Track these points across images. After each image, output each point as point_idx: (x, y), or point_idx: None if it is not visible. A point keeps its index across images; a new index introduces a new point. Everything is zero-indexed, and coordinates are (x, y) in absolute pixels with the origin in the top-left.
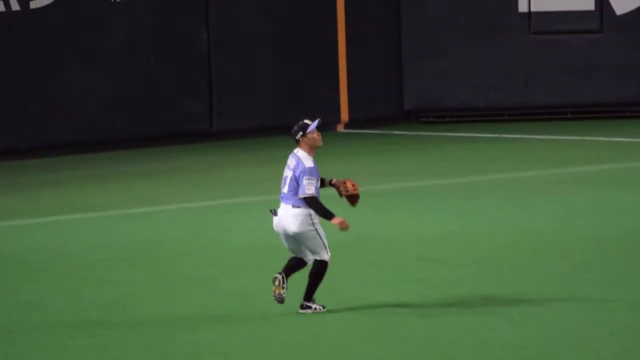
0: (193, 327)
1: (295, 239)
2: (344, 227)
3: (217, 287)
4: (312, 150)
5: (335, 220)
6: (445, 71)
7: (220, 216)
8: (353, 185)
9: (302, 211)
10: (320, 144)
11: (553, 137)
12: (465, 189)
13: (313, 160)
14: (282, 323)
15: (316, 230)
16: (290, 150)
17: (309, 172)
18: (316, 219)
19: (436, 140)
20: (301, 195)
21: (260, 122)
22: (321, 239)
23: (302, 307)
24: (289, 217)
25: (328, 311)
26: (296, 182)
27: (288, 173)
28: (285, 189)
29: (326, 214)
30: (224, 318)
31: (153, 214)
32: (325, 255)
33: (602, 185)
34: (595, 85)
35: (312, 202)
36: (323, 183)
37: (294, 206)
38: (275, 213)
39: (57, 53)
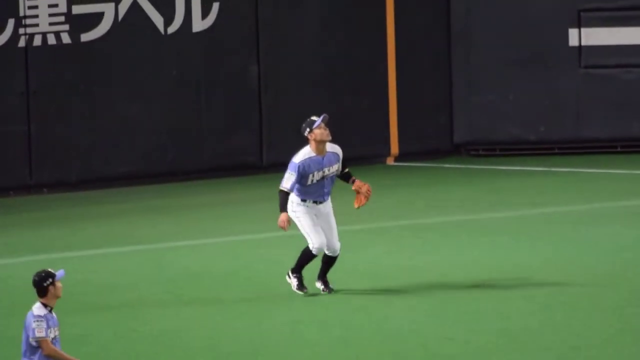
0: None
1: None
2: (280, 225)
3: (267, 320)
4: (320, 144)
5: (281, 217)
6: (495, 104)
7: (270, 249)
8: (368, 191)
9: (291, 197)
10: (327, 138)
11: (603, 170)
12: (516, 223)
13: (312, 157)
14: (331, 355)
15: (298, 218)
16: (337, 184)
17: (292, 167)
18: (298, 207)
19: (486, 174)
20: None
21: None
22: (303, 228)
23: (287, 274)
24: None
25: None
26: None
27: None
28: None
29: (280, 207)
30: (273, 353)
31: (202, 247)
32: (310, 244)
33: (631, 220)
34: None
35: (279, 194)
36: (346, 179)
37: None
38: None
39: (108, 86)
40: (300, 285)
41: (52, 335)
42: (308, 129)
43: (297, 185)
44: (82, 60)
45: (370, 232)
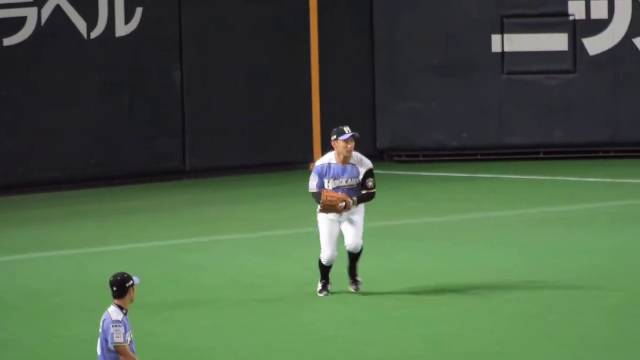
0: None
1: None
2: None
3: (191, 325)
4: (339, 156)
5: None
6: (419, 111)
7: (194, 254)
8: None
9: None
10: (346, 154)
11: (526, 177)
12: (438, 229)
13: (332, 164)
14: None
15: (319, 223)
16: (261, 190)
17: (314, 170)
18: (319, 217)
19: (409, 180)
20: None
21: (233, 162)
22: (320, 236)
23: None
24: None
25: (303, 348)
26: None
27: None
28: None
29: (317, 199)
30: (196, 358)
31: (126, 252)
32: (321, 254)
33: (574, 225)
34: (569, 126)
35: (312, 196)
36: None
37: None
38: None
39: (31, 91)
40: (322, 289)
41: (128, 339)
42: (335, 137)
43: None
44: (4, 65)
45: (293, 238)
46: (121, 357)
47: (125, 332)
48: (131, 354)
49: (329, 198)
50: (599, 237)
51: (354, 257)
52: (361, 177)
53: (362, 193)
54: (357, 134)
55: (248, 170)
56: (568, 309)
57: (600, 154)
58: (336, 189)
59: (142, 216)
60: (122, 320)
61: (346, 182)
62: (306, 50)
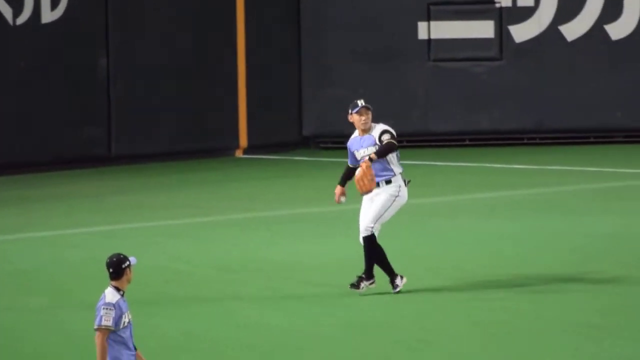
0: (82, 353)
1: None
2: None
3: None
4: (358, 130)
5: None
6: (345, 98)
7: (118, 241)
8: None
9: None
10: (362, 126)
11: (452, 163)
12: None
13: (355, 137)
14: (182, 346)
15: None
16: (186, 177)
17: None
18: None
19: (335, 166)
20: None
21: (159, 148)
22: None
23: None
24: None
25: (224, 334)
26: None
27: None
28: None
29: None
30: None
31: (51, 239)
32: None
33: (498, 211)
34: (494, 113)
35: None
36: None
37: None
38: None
39: None
40: (357, 283)
41: (126, 320)
42: (350, 111)
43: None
44: None
45: (220, 224)
46: (96, 337)
47: (118, 315)
48: (104, 341)
49: (360, 185)
50: (523, 224)
51: (364, 245)
52: (377, 140)
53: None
54: (369, 105)
55: (174, 156)
56: (492, 295)
57: (526, 141)
58: (361, 158)
59: (66, 202)
60: (117, 302)
61: (364, 152)
62: (232, 36)
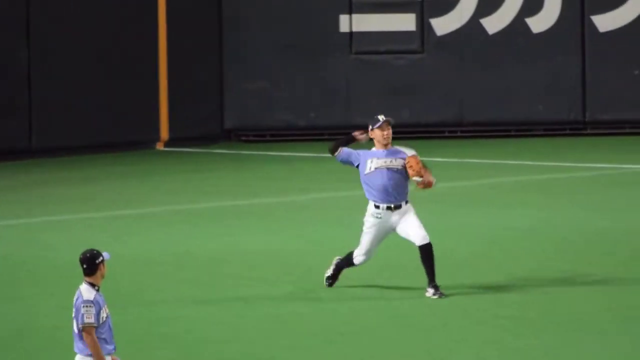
0: (7, 346)
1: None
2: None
3: (39, 305)
4: (378, 144)
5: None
6: (266, 90)
7: (40, 234)
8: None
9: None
10: (384, 141)
11: None
12: (286, 208)
13: (372, 151)
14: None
15: (365, 229)
16: (108, 170)
17: (351, 152)
18: (369, 218)
19: (256, 159)
20: None
21: (80, 141)
22: (363, 238)
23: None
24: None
25: (143, 328)
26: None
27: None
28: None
29: (340, 144)
30: (44, 337)
31: None
32: (357, 251)
33: (419, 205)
34: (416, 105)
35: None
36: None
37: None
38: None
39: None
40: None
41: (104, 315)
42: (370, 126)
43: (365, 186)
44: None
45: (141, 217)
46: (85, 337)
47: (97, 311)
48: (95, 338)
49: (417, 170)
50: (442, 217)
51: (427, 253)
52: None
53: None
54: (391, 119)
55: (95, 149)
56: (410, 288)
57: (447, 134)
58: (378, 168)
59: None
60: (94, 298)
61: (390, 162)
62: (153, 29)
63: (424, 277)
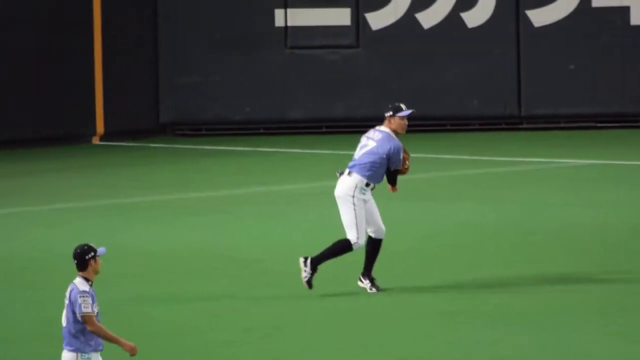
0: None
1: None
2: None
3: None
4: (396, 132)
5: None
6: (202, 85)
7: None
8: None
9: (355, 181)
10: (402, 132)
11: (308, 150)
12: (222, 202)
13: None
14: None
15: (354, 206)
16: (43, 164)
17: (400, 146)
18: (359, 195)
19: (192, 153)
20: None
21: (15, 135)
22: (355, 219)
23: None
24: (344, 180)
25: None
26: (375, 154)
27: (368, 142)
28: (358, 156)
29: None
30: None
31: None
32: (353, 238)
33: None
34: (350, 100)
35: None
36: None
37: (350, 173)
38: (340, 174)
39: None
40: (309, 281)
41: (96, 310)
42: (391, 112)
43: (369, 165)
44: None
45: (75, 211)
46: (88, 327)
47: (92, 302)
48: (98, 323)
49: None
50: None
51: (378, 246)
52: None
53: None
54: (414, 111)
55: (30, 143)
56: (343, 283)
57: None
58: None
59: None
60: (89, 291)
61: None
62: (88, 22)
63: (357, 272)
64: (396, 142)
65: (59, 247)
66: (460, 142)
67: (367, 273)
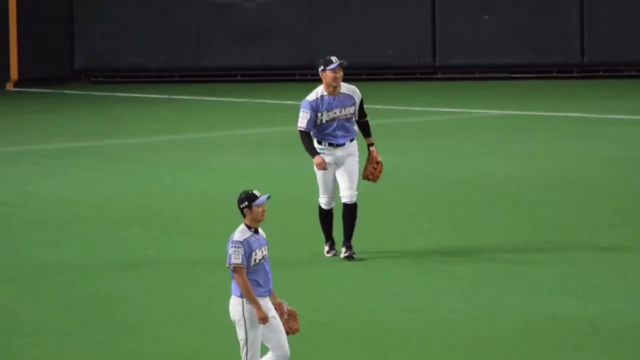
0: None
1: None
2: (318, 167)
3: None
4: (328, 87)
5: (315, 160)
6: (116, 33)
7: None
8: (379, 172)
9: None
10: (335, 84)
11: (223, 99)
12: (134, 150)
13: (323, 96)
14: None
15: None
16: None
17: (304, 104)
18: (324, 157)
19: (106, 101)
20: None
21: None
22: (317, 178)
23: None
24: None
25: None
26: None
27: None
28: None
29: (308, 152)
30: None
31: None
32: (319, 197)
33: (268, 147)
34: (266, 49)
35: (300, 135)
36: (364, 131)
37: None
38: None
39: None
40: (330, 250)
41: (259, 256)
42: (322, 67)
43: (314, 129)
44: None
45: None
46: (236, 277)
47: (248, 252)
48: (245, 277)
49: (376, 174)
50: (293, 159)
51: (350, 211)
52: (357, 105)
53: (367, 129)
54: (344, 62)
55: None
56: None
57: (297, 77)
58: (331, 120)
59: None
60: (244, 240)
61: (340, 112)
62: None
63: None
64: (308, 101)
65: None
66: (374, 92)
67: (345, 240)
